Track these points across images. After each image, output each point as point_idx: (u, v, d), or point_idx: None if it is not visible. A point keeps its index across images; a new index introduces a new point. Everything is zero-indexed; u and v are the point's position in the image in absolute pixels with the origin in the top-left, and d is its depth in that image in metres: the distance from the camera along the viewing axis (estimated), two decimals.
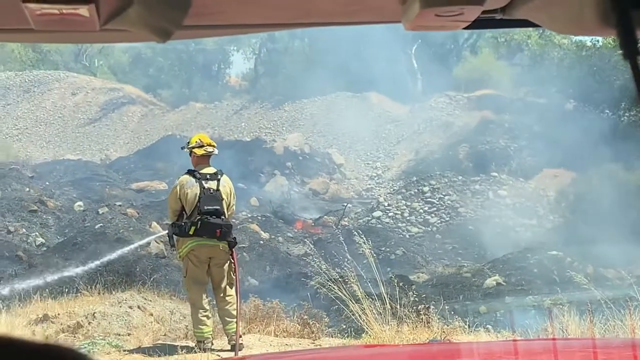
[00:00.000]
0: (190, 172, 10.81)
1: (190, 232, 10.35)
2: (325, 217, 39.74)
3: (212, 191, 10.65)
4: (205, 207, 10.47)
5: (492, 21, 1.63)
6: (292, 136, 54.50)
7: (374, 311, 11.21)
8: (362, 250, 12.71)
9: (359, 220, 40.17)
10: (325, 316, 13.72)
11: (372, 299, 11.66)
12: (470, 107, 54.13)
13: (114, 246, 23.97)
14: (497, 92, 54.41)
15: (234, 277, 10.97)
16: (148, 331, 13.13)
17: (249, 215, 37.23)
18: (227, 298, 10.73)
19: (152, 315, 13.77)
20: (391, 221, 39.30)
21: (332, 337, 12.36)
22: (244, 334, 11.97)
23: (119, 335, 13.06)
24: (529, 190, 41.72)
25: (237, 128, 60.73)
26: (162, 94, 69.31)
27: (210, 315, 10.73)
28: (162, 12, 1.38)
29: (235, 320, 10.64)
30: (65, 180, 42.33)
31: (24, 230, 27.99)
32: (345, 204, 42.10)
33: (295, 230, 35.87)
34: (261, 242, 30.21)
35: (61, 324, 13.24)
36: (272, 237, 32.42)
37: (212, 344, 10.72)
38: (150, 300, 15.44)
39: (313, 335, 12.06)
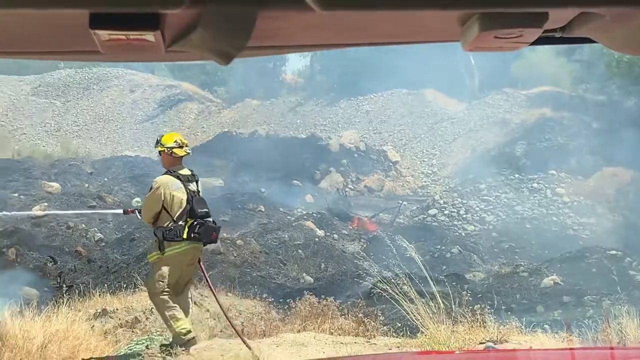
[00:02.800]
0: (170, 174, 10.30)
1: (184, 236, 10.06)
2: (380, 214, 39.70)
3: (196, 194, 10.38)
4: (199, 210, 10.23)
5: (551, 39, 1.64)
6: (347, 133, 54.45)
7: (428, 310, 11.17)
8: (417, 248, 12.64)
9: (414, 218, 40.06)
10: (380, 315, 13.69)
11: (427, 298, 11.62)
12: (528, 104, 53.58)
13: None
14: (556, 88, 53.80)
15: (194, 279, 10.95)
16: (204, 327, 13.26)
17: (304, 213, 37.30)
18: (189, 297, 10.69)
19: (208, 311, 13.90)
20: (447, 219, 39.10)
21: (387, 335, 12.34)
22: (299, 331, 12.03)
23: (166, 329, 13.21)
24: (588, 188, 41.18)
25: (293, 125, 60.87)
26: (219, 90, 69.75)
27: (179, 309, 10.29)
28: (226, 37, 1.41)
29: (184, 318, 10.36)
30: (124, 176, 42.84)
31: (83, 225, 28.37)
32: (401, 202, 42.00)
33: (351, 228, 35.83)
34: (316, 239, 30.25)
35: (119, 319, 13.43)
36: (327, 234, 32.43)
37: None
38: (207, 297, 15.56)
39: (368, 333, 12.07)
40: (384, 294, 12.03)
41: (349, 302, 14.93)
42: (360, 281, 17.84)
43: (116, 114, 66.74)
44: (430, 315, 10.95)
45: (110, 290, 16.14)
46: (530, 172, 43.00)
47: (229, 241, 25.84)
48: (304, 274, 25.48)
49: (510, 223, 38.03)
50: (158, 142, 10.52)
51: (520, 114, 52.57)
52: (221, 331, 12.74)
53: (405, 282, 11.76)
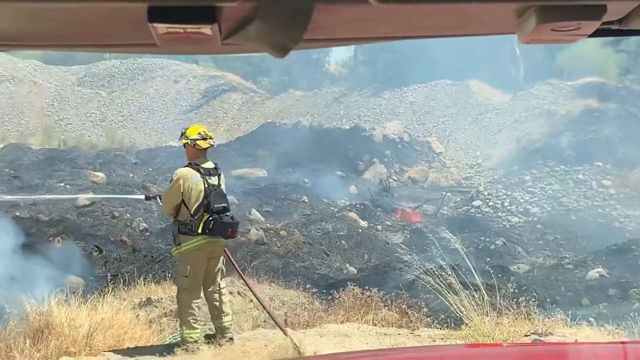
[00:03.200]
0: (191, 166, 10.10)
1: (199, 231, 9.85)
2: (424, 205, 39.59)
3: (216, 187, 10.12)
4: (216, 205, 9.95)
5: (609, 31, 1.62)
6: (391, 124, 54.32)
7: (472, 302, 11.10)
8: (461, 240, 12.56)
9: (458, 209, 39.91)
10: (423, 306, 13.64)
11: (471, 290, 11.55)
12: (574, 95, 53.06)
13: None
14: (602, 79, 53.22)
15: (224, 269, 10.46)
16: (248, 317, 13.31)
17: (348, 204, 37.30)
18: (222, 290, 10.29)
19: (251, 301, 13.93)
20: (491, 211, 38.89)
21: (430, 327, 12.28)
22: (342, 322, 12.03)
23: None
24: (634, 180, 40.70)
25: (336, 116, 60.87)
26: (262, 81, 69.97)
27: (198, 318, 10.16)
28: (282, 30, 1.41)
29: (228, 313, 10.27)
30: (168, 166, 43.11)
31: (128, 215, 28.63)
32: (445, 193, 41.86)
33: (394, 219, 35.78)
34: (359, 230, 30.24)
35: (164, 308, 13.51)
36: (371, 225, 32.41)
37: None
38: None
39: (411, 325, 12.03)
40: (428, 286, 11.98)
41: (392, 294, 14.87)
42: (404, 272, 17.79)
43: (160, 105, 67.22)
44: (475, 307, 10.89)
45: (155, 280, 16.25)
46: (575, 163, 42.60)
47: (272, 232, 25.93)
48: (347, 265, 25.49)
49: (555, 215, 37.73)
50: (182, 134, 10.33)
51: (565, 105, 52.09)
52: (264, 321, 12.78)
53: (449, 273, 11.71)
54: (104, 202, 29.08)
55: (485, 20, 1.59)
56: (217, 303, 10.20)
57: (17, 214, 27.62)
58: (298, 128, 54.75)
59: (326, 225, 29.64)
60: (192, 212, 9.88)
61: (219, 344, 10.10)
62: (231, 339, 10.14)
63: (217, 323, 10.29)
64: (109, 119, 65.68)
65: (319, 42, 1.67)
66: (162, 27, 1.40)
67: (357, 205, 35.42)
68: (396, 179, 47.32)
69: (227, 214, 10.11)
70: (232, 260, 10.78)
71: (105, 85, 70.06)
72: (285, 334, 10.33)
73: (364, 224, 32.04)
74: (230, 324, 10.36)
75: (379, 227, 32.55)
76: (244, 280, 11.78)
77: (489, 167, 49.59)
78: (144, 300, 14.22)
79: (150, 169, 41.99)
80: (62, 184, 34.80)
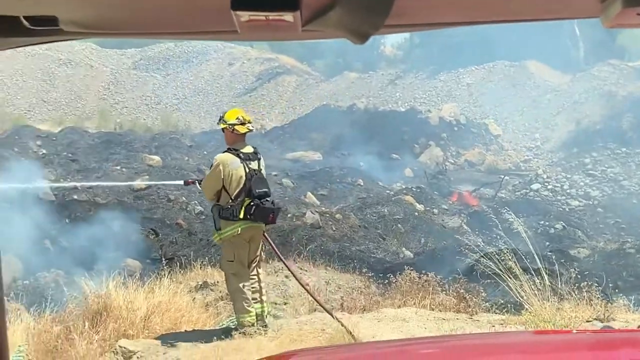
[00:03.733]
0: (231, 151, 10.03)
1: (240, 216, 9.79)
2: (481, 189, 39.34)
3: (257, 172, 10.03)
4: (257, 190, 9.89)
5: None
6: (447, 106, 54.02)
7: (532, 287, 10.99)
8: (520, 224, 12.43)
9: (517, 192, 39.58)
10: (482, 291, 13.56)
11: (531, 274, 11.43)
12: (636, 77, 52.20)
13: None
14: None
15: (263, 255, 10.56)
16: (304, 301, 13.35)
17: (404, 187, 37.19)
18: (259, 276, 10.25)
19: (308, 285, 13.97)
20: (550, 194, 38.54)
21: (489, 312, 12.19)
22: (399, 307, 12.00)
23: (276, 304, 13.34)
24: None
25: (392, 98, 60.66)
26: (317, 63, 69.88)
27: (251, 300, 10.08)
28: (363, 17, 1.40)
29: (259, 298, 10.18)
30: (223, 149, 43.39)
31: (183, 198, 28.84)
32: (502, 176, 41.52)
33: (451, 203, 35.62)
34: (416, 213, 30.15)
35: (220, 292, 13.60)
36: (427, 209, 32.30)
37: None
38: (306, 270, 15.71)
39: (470, 310, 11.95)
40: (486, 270, 11.89)
41: (449, 278, 14.81)
42: (461, 256, 17.70)
43: (215, 87, 67.59)
44: (535, 292, 10.78)
45: (211, 263, 16.33)
46: (637, 145, 41.98)
47: (327, 215, 25.96)
48: (404, 249, 25.44)
49: (617, 198, 37.25)
50: (221, 119, 10.24)
51: (626, 86, 51.28)
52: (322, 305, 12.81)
53: (509, 257, 11.60)
54: (160, 187, 29.37)
55: (569, 3, 1.55)
56: (255, 289, 10.17)
57: (75, 197, 28.02)
58: (353, 110, 54.69)
59: (382, 209, 29.58)
60: (232, 198, 9.86)
61: (278, 328, 10.15)
62: (266, 326, 10.12)
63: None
64: (164, 102, 66.22)
65: (399, 27, 1.65)
66: (244, 15, 1.41)
67: (413, 189, 35.30)
68: (453, 162, 47.07)
69: (268, 199, 10.07)
70: (273, 244, 10.74)
71: (160, 68, 70.62)
72: (334, 317, 10.33)
73: (420, 207, 31.93)
74: (266, 312, 10.39)
75: (436, 211, 32.42)
76: (285, 265, 11.79)
77: (547, 150, 49.06)
78: (200, 283, 14.34)
79: (205, 152, 42.20)
80: (118, 167, 35.18)
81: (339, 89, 63.86)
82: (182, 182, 12.04)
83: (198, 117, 63.41)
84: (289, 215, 25.02)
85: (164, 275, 12.34)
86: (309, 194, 32.55)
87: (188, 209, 28.28)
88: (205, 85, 67.79)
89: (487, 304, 12.86)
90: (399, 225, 27.90)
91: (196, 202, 28.27)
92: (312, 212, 25.23)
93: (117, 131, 49.51)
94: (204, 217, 27.19)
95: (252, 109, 63.30)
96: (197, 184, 10.82)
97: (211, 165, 10.15)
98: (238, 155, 9.97)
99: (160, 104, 66.11)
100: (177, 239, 24.10)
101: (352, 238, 24.64)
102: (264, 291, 10.28)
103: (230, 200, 9.87)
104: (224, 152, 10.13)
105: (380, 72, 65.35)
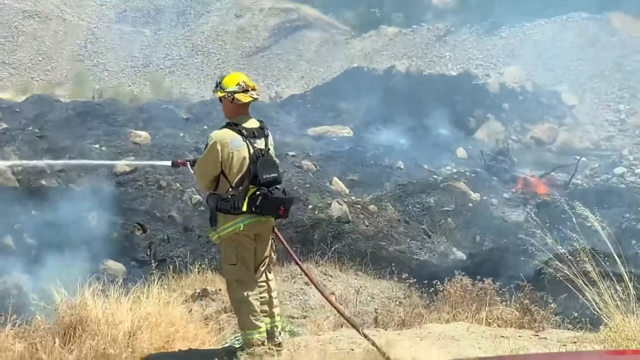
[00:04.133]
0: (231, 127, 9.78)
1: (243, 208, 9.61)
2: (552, 173, 39.17)
3: (263, 153, 9.77)
4: (264, 176, 9.66)
5: None
6: (510, 70, 53.81)
7: (614, 297, 10.95)
8: (598, 218, 12.39)
9: (596, 178, 39.44)
10: (551, 301, 13.55)
11: (612, 281, 11.39)
12: None
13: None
14: None
15: (274, 256, 10.28)
16: (328, 314, 13.38)
17: (455, 171, 37.15)
18: (270, 283, 10.09)
19: (333, 294, 14.01)
20: (638, 180, 38.35)
21: (560, 328, 12.19)
22: (447, 321, 12.01)
23: (293, 318, 13.37)
24: None
25: (441, 59, 60.52)
26: (347, 15, 69.69)
27: (259, 313, 9.92)
28: None
29: (270, 311, 10.03)
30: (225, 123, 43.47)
31: (177, 185, 28.92)
32: (579, 158, 41.33)
33: (514, 191, 35.53)
34: (470, 204, 30.10)
35: (223, 302, 13.64)
36: (484, 198, 32.24)
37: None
38: (332, 276, 15.74)
39: (536, 325, 11.95)
40: (557, 275, 11.86)
41: (511, 285, 14.78)
42: (527, 258, 17.69)
43: (218, 46, 67.63)
44: (617, 302, 10.75)
45: (212, 266, 16.38)
46: None
47: (359, 206, 25.96)
48: (454, 249, 25.44)
49: None
50: (217, 86, 9.95)
51: None
52: (350, 318, 12.85)
53: (585, 260, 11.57)
54: (148, 169, 29.45)
55: None
56: (263, 299, 10.02)
57: (43, 182, 28.16)
58: (392, 74, 54.59)
59: (427, 199, 29.56)
60: (233, 185, 9.69)
61: (295, 348, 10.14)
62: (279, 345, 10.08)
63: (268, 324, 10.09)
64: (154, 64, 66.39)
65: None
66: None
67: (467, 173, 35.24)
68: (516, 139, 46.92)
69: (278, 186, 9.85)
70: (285, 243, 10.48)
71: (149, 21, 70.79)
72: (363, 335, 10.26)
73: (475, 196, 31.87)
74: (280, 327, 10.23)
75: (495, 201, 32.36)
76: (301, 269, 11.32)
77: (634, 125, 48.78)
78: (198, 292, 14.41)
79: (205, 127, 42.26)
80: (97, 146, 35.29)
81: (374, 47, 63.78)
82: (169, 164, 11.70)
83: (197, 83, 63.55)
84: (309, 206, 25.05)
85: (153, 281, 12.38)
86: (336, 179, 32.58)
87: (183, 198, 28.38)
88: (205, 43, 67.88)
89: (557, 317, 12.86)
90: (449, 218, 27.87)
91: (193, 189, 28.35)
92: (339, 203, 25.25)
93: (95, 100, 49.68)
94: (203, 208, 27.24)
95: (263, 73, 63.35)
96: (189, 166, 10.53)
97: (206, 145, 9.86)
98: (240, 132, 9.72)
99: (149, 66, 66.30)
100: (169, 235, 24.21)
101: (389, 235, 24.66)
102: (276, 302, 10.19)
103: (231, 189, 9.68)
104: (221, 127, 9.89)
105: (427, 26, 65.19)
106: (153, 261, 19.67)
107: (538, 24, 59.72)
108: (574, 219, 14.14)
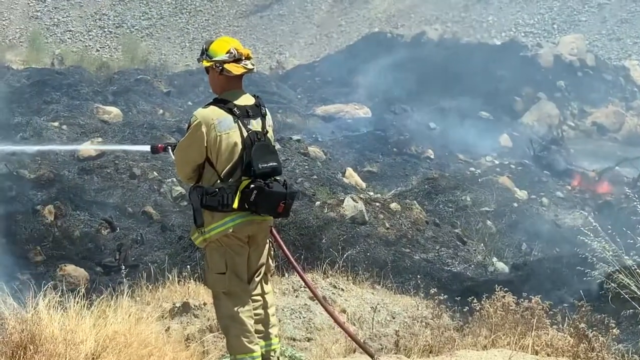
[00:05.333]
0: (219, 104, 9.63)
1: (234, 205, 9.47)
2: (617, 168, 39.16)
3: (260, 137, 9.63)
4: (260, 165, 9.50)
5: None
6: (567, 39, 53.75)
7: None
8: None
9: None
10: (613, 325, 13.55)
11: None
12: None
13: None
14: None
15: (272, 264, 10.12)
16: (337, 336, 13.39)
17: (497, 162, 37.16)
18: (267, 297, 10.07)
19: (344, 311, 14.02)
20: None
21: (624, 358, 12.21)
22: (485, 347, 12.02)
23: (294, 340, 13.37)
24: None
25: (481, 25, 60.53)
26: None
27: (253, 333, 9.86)
28: None
29: (266, 331, 10.05)
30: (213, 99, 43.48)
31: (154, 174, 28.96)
32: None
33: (570, 188, 35.52)
34: (515, 204, 30.13)
35: (208, 319, 13.66)
36: (533, 197, 32.23)
37: None
38: (343, 289, 15.73)
39: (594, 355, 11.96)
40: (622, 293, 11.88)
41: (564, 305, 14.81)
42: (585, 271, 17.68)
43: (207, 2, 67.68)
44: None
45: (196, 275, 16.41)
46: None
47: (378, 204, 25.98)
48: (495, 259, 25.44)
49: None
50: (204, 53, 9.79)
51: None
52: (364, 342, 12.87)
53: None
54: (119, 153, 29.45)
55: None
56: (258, 317, 10.03)
57: None
58: (421, 42, 54.64)
59: (462, 196, 29.59)
60: (222, 176, 9.56)
61: None
62: None
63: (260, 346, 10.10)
64: (127, 24, 66.45)
65: None
66: None
67: (512, 166, 35.25)
68: (574, 125, 46.92)
69: (278, 178, 9.70)
70: (284, 248, 10.43)
71: None
72: None
73: (522, 194, 31.88)
74: (279, 351, 10.26)
75: (546, 200, 32.35)
76: (304, 280, 11.08)
77: None
78: (178, 305, 14.42)
79: (189, 103, 42.36)
80: (57, 124, 35.29)
81: (400, 7, 63.80)
82: (148, 149, 11.54)
83: (180, 48, 63.64)
84: (317, 203, 25.05)
85: (123, 291, 12.40)
86: (350, 170, 32.58)
87: (162, 190, 28.42)
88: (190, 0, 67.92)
89: (620, 345, 12.85)
90: (489, 221, 27.90)
91: (174, 180, 28.39)
92: (353, 200, 25.27)
93: (55, 68, 49.71)
94: (185, 203, 27.29)
95: (263, 37, 63.42)
96: (170, 150, 10.50)
97: (188, 125, 9.68)
98: (230, 111, 9.57)
99: (121, 26, 66.34)
100: (143, 236, 24.24)
101: (415, 241, 24.67)
102: (273, 320, 10.18)
103: (219, 181, 9.55)
104: (207, 105, 9.73)
105: None
106: (123, 267, 19.73)
107: None
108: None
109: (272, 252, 10.11)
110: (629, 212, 23.64)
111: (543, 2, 60.68)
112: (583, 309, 13.25)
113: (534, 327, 12.49)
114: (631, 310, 12.39)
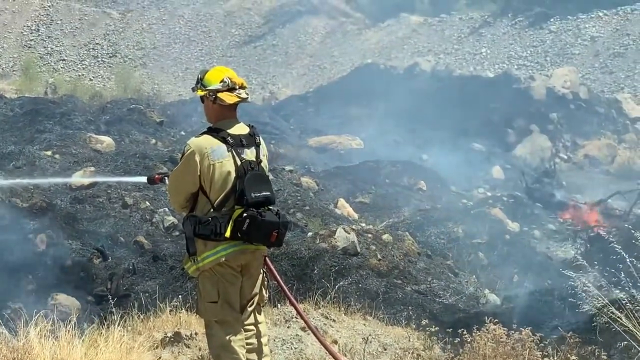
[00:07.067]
0: (213, 133, 9.71)
1: (227, 234, 9.51)
2: (609, 201, 39.21)
3: (253, 166, 9.69)
4: (253, 194, 9.54)
5: None
6: (560, 71, 53.88)
7: None
8: None
9: None
10: (605, 358, 13.58)
11: None
12: None
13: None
14: None
15: (266, 294, 10.21)
16: None
17: (489, 194, 37.18)
18: (260, 327, 10.09)
19: (336, 342, 14.01)
20: None
21: None
22: None
23: None
24: None
25: (473, 57, 60.63)
26: (360, 0, 69.93)
27: None
28: None
29: None
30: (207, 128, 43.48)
31: (147, 203, 28.96)
32: None
33: (562, 220, 35.55)
34: (507, 236, 30.15)
35: (200, 349, 13.65)
36: (525, 229, 32.25)
37: None
38: (334, 320, 15.71)
39: None
40: (613, 326, 11.89)
41: (556, 337, 14.85)
42: (576, 304, 17.72)
43: (200, 33, 67.77)
44: None
45: (188, 304, 16.40)
46: None
47: (370, 235, 25.97)
48: (487, 291, 25.45)
49: None
50: (199, 82, 9.86)
51: None
52: None
53: None
54: (111, 183, 29.43)
55: None
56: (251, 346, 10.01)
57: None
58: (413, 74, 54.70)
59: (454, 228, 29.61)
60: (215, 206, 9.60)
61: None
62: None
63: None
64: (121, 53, 66.50)
65: None
66: None
67: (504, 198, 35.28)
68: (566, 157, 46.99)
69: (271, 207, 9.77)
70: (279, 278, 10.35)
71: (117, 0, 70.88)
72: None
73: (514, 226, 31.90)
74: None
75: (537, 233, 32.37)
76: (297, 310, 10.99)
77: None
78: (169, 335, 14.40)
79: (182, 133, 42.36)
80: (49, 153, 35.27)
81: (392, 39, 63.91)
82: (145, 180, 11.53)
83: (173, 78, 63.69)
84: (309, 234, 25.04)
85: (114, 320, 12.40)
86: (342, 201, 32.60)
87: (154, 220, 28.40)
88: (185, 29, 68.07)
89: None
90: (481, 253, 27.90)
91: (166, 209, 28.40)
92: (346, 230, 25.26)
93: (48, 97, 49.70)
94: (177, 233, 27.31)
95: (256, 68, 63.47)
96: (167, 180, 10.49)
97: (182, 154, 9.79)
98: (224, 140, 9.63)
99: (115, 55, 66.40)
100: (135, 265, 24.21)
101: (407, 272, 24.65)
102: (266, 350, 10.18)
103: (212, 210, 9.60)
104: (201, 133, 9.80)
105: (458, 16, 65.38)
106: (114, 296, 19.72)
107: (595, 16, 59.95)
108: (634, 257, 14.20)
109: (265, 282, 10.11)
110: (620, 245, 23.72)
111: (536, 35, 60.86)
112: (573, 341, 13.28)
113: (525, 359, 12.51)
114: (624, 343, 12.40)
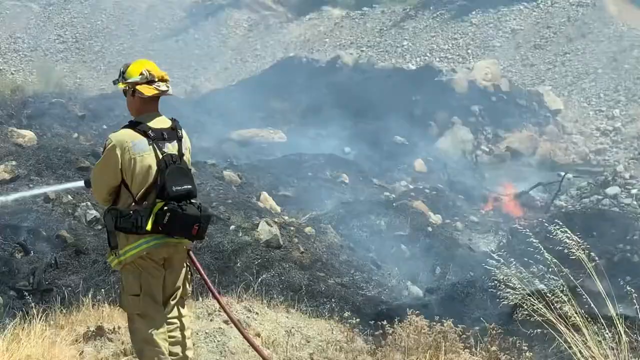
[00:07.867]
0: (134, 127, 9.67)
1: (148, 227, 9.50)
2: (530, 193, 39.46)
3: (175, 160, 9.72)
4: (175, 188, 9.57)
5: None
6: (481, 64, 54.08)
7: (603, 343, 11.09)
8: (585, 248, 12.51)
9: (584, 199, 39.72)
10: (525, 348, 13.67)
11: (600, 325, 11.52)
12: None
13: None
14: None
15: (189, 288, 10.23)
16: (252, 359, 13.38)
17: (412, 187, 37.26)
18: (184, 319, 10.14)
19: (259, 335, 14.02)
20: (635, 203, 38.72)
21: None
22: None
23: None
24: None
25: (395, 49, 60.70)
26: None
27: (168, 356, 9.85)
28: None
29: (183, 354, 10.07)
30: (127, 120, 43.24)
31: (69, 197, 28.77)
32: (563, 174, 41.67)
33: (483, 212, 35.73)
34: (429, 228, 30.24)
35: (123, 343, 13.59)
36: (447, 221, 32.37)
37: None
38: (257, 313, 15.70)
39: None
40: (533, 317, 11.96)
41: (477, 328, 14.92)
42: (497, 295, 17.83)
43: (123, 26, 67.37)
44: (607, 350, 10.88)
45: (110, 298, 16.32)
46: None
47: (292, 228, 25.99)
48: (409, 283, 25.53)
49: None
50: (120, 75, 9.85)
51: None
52: None
53: (568, 298, 11.70)
54: (33, 177, 29.22)
55: None
56: (174, 339, 10.02)
57: None
58: (336, 67, 54.68)
59: (377, 220, 29.66)
60: (136, 199, 9.60)
61: None
62: None
63: None
64: (43, 47, 65.93)
65: None
66: None
67: (427, 190, 35.38)
68: (488, 150, 47.18)
69: (193, 200, 9.80)
70: (201, 271, 10.45)
71: None
72: None
73: (436, 219, 32.02)
74: None
75: (460, 225, 32.52)
76: (220, 303, 10.97)
77: (632, 135, 49.23)
78: (92, 329, 14.32)
79: (104, 127, 42.09)
80: None
81: (315, 33, 63.87)
82: (82, 183, 11.36)
83: (95, 72, 63.22)
84: (231, 227, 25.00)
85: (36, 315, 12.32)
86: (265, 194, 32.55)
87: (76, 214, 28.21)
88: (107, 23, 67.59)
89: None
90: (403, 245, 27.97)
91: (89, 203, 28.21)
92: (268, 223, 25.26)
93: None
94: (100, 227, 27.14)
95: (179, 61, 63.21)
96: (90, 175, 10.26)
97: (103, 149, 9.71)
98: (145, 133, 9.61)
99: (37, 49, 65.86)
100: (57, 259, 24.04)
101: (329, 265, 24.68)
102: (189, 343, 10.15)
103: (134, 203, 9.59)
104: (122, 127, 9.77)
105: (380, 8, 65.43)
106: (37, 291, 19.59)
107: (517, 9, 60.19)
108: (555, 249, 14.30)
109: (189, 276, 10.13)
110: (540, 236, 23.89)
111: (457, 27, 61.04)
112: (495, 333, 13.36)
113: (446, 351, 12.57)
114: (539, 330, 12.49)
